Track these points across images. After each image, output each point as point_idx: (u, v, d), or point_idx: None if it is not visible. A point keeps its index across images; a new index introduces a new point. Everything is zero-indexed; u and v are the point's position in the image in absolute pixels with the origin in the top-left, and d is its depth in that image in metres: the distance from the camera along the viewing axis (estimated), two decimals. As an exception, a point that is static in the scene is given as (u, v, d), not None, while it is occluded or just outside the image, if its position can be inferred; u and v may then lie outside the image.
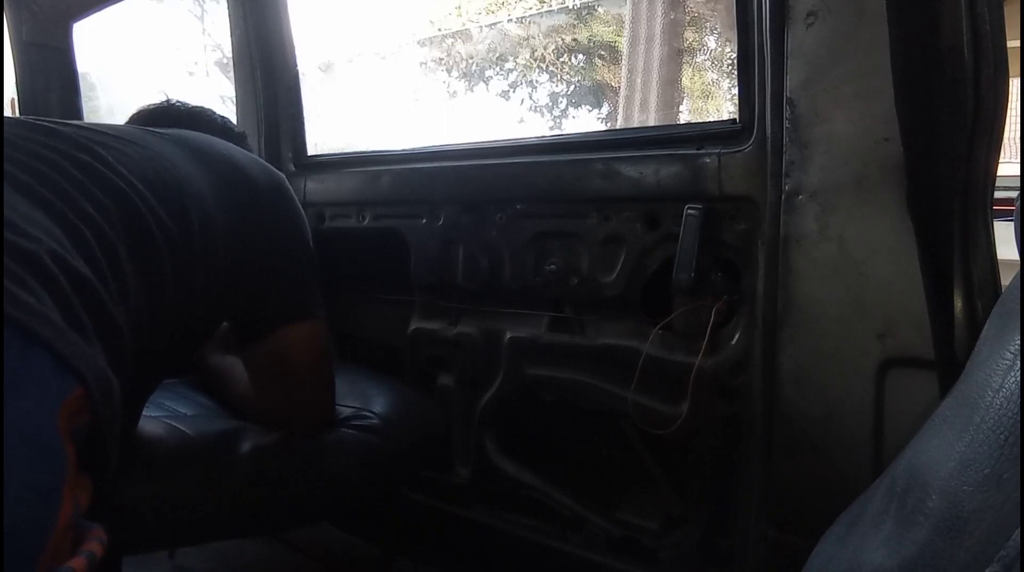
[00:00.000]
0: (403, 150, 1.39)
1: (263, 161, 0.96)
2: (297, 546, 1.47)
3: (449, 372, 1.30)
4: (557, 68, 7.27)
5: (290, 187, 0.95)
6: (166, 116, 1.06)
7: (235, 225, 0.83)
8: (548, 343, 1.17)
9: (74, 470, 0.51)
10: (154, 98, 1.11)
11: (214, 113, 1.13)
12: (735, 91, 1.20)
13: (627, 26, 5.57)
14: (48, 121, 0.75)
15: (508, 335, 1.21)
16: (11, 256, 0.52)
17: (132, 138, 0.80)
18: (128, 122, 1.07)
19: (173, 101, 1.11)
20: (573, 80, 7.32)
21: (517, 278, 1.19)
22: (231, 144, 0.96)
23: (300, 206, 0.95)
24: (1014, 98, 0.82)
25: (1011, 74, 0.72)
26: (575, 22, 7.02)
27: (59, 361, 0.51)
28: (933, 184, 0.76)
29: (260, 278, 0.87)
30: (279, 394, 0.91)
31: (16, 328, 0.49)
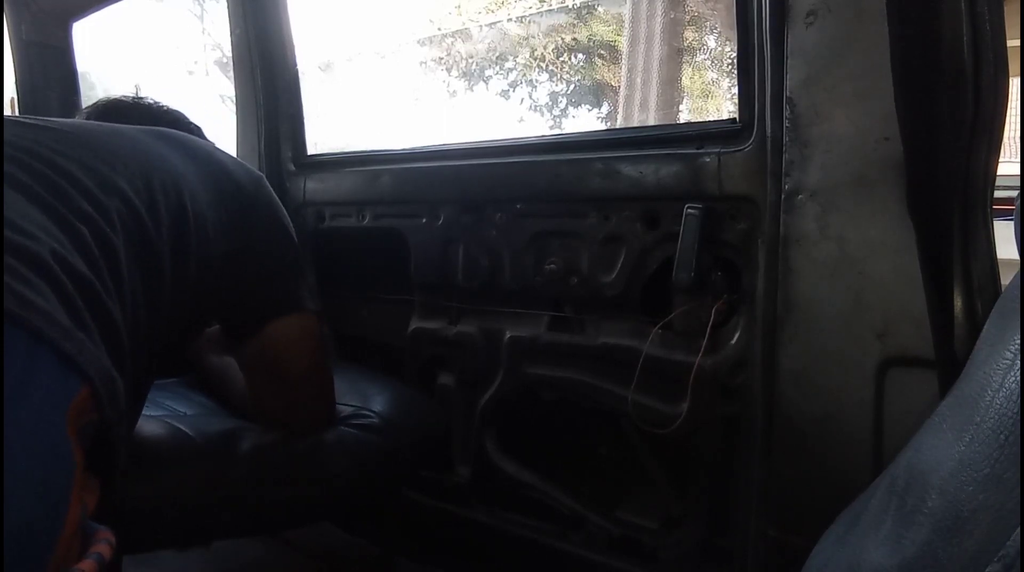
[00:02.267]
0: (403, 150, 1.39)
1: (240, 160, 0.97)
2: (297, 546, 1.47)
3: (449, 372, 1.30)
4: (557, 67, 7.26)
5: (268, 184, 0.94)
6: (136, 115, 1.02)
7: (221, 221, 0.83)
8: (548, 343, 1.17)
9: (82, 471, 0.51)
10: (125, 93, 1.08)
11: (191, 121, 1.11)
12: (735, 90, 1.20)
13: (627, 25, 5.57)
14: (41, 120, 0.74)
15: (508, 335, 1.21)
16: (14, 255, 0.52)
17: (122, 134, 0.80)
18: (95, 113, 1.03)
19: (148, 100, 1.08)
20: (573, 79, 7.32)
21: (517, 277, 1.19)
22: (209, 142, 0.96)
23: (280, 202, 0.95)
24: (1014, 97, 0.82)
25: (1011, 73, 0.72)
26: (575, 21, 7.01)
27: (65, 361, 0.51)
28: (933, 183, 0.76)
29: (246, 274, 0.87)
30: (275, 392, 0.91)
31: (23, 328, 0.48)
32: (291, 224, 0.94)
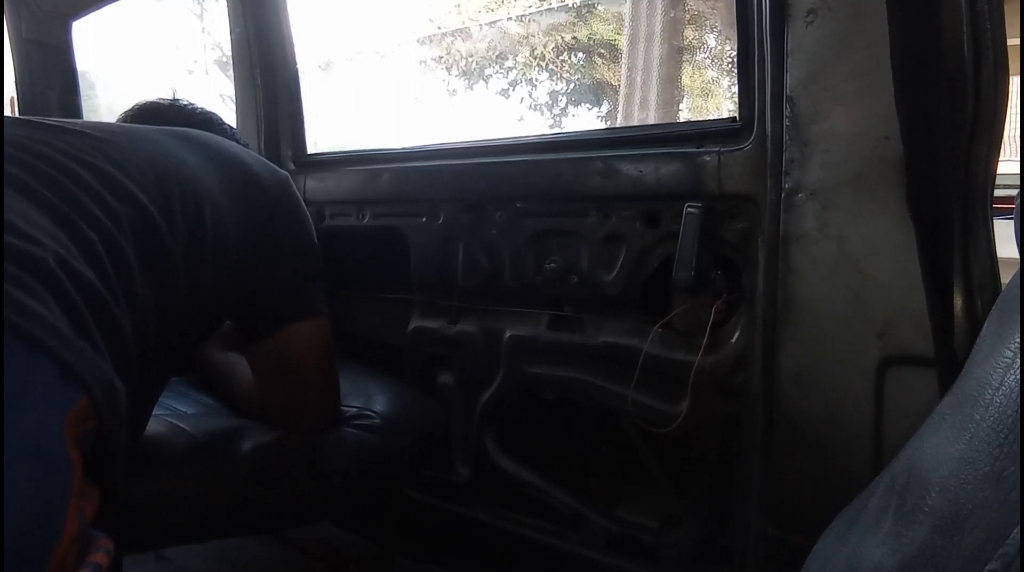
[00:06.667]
0: (403, 148, 1.39)
1: (266, 160, 0.97)
2: (297, 545, 1.47)
3: (449, 371, 1.30)
4: (557, 66, 7.26)
5: (294, 186, 0.95)
6: (171, 117, 1.04)
7: (243, 223, 0.83)
8: (548, 341, 1.17)
9: (80, 480, 0.50)
10: (162, 95, 1.11)
11: (223, 122, 1.13)
12: (735, 89, 1.20)
13: (627, 24, 5.57)
14: (55, 121, 0.74)
15: (508, 333, 1.21)
16: (16, 262, 0.52)
17: (141, 137, 0.79)
18: (132, 116, 1.06)
19: (183, 102, 1.10)
20: (573, 78, 7.32)
21: (517, 276, 1.19)
22: (235, 143, 0.95)
23: (304, 204, 0.95)
24: (1014, 96, 0.82)
25: (1011, 72, 0.72)
26: (575, 20, 7.01)
27: (64, 370, 0.50)
28: (933, 182, 0.76)
29: (266, 277, 0.87)
30: (284, 393, 0.91)
31: (21, 337, 0.48)
32: (313, 227, 0.94)
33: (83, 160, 0.67)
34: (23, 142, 0.66)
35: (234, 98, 1.63)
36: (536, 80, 7.48)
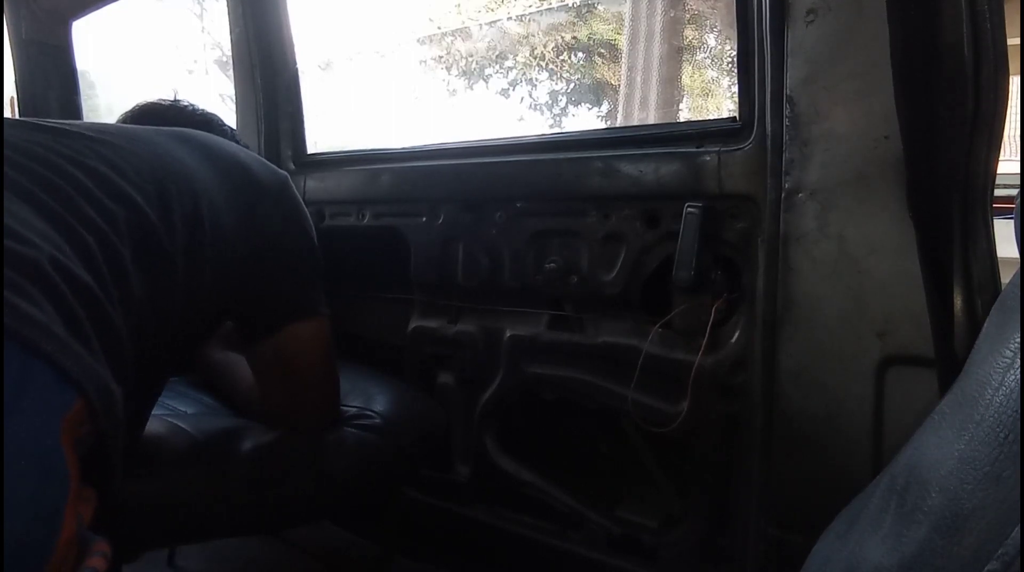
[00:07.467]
0: (403, 148, 1.39)
1: (265, 160, 0.97)
2: (298, 545, 1.47)
3: (449, 370, 1.30)
4: (557, 66, 7.25)
5: (293, 185, 0.95)
6: (171, 118, 1.04)
7: (242, 224, 0.83)
8: (548, 341, 1.17)
9: (77, 484, 0.50)
10: (163, 95, 1.11)
11: (223, 122, 1.13)
12: (735, 89, 1.20)
13: (627, 24, 5.57)
14: (51, 123, 0.74)
15: (508, 333, 1.21)
16: (12, 265, 0.51)
17: (139, 138, 0.79)
18: (132, 116, 1.06)
19: (184, 103, 1.10)
20: (573, 78, 7.31)
21: (517, 276, 1.19)
22: (234, 143, 0.95)
23: (303, 204, 0.95)
24: (1014, 96, 0.82)
25: (1011, 72, 0.72)
26: (575, 20, 7.01)
27: (60, 374, 0.50)
28: (933, 182, 0.76)
29: (266, 277, 0.87)
30: (285, 393, 0.91)
31: (17, 342, 0.48)
32: (312, 227, 0.94)
33: (78, 161, 0.67)
34: (18, 144, 0.66)
35: (234, 98, 1.63)
36: (536, 80, 7.47)
